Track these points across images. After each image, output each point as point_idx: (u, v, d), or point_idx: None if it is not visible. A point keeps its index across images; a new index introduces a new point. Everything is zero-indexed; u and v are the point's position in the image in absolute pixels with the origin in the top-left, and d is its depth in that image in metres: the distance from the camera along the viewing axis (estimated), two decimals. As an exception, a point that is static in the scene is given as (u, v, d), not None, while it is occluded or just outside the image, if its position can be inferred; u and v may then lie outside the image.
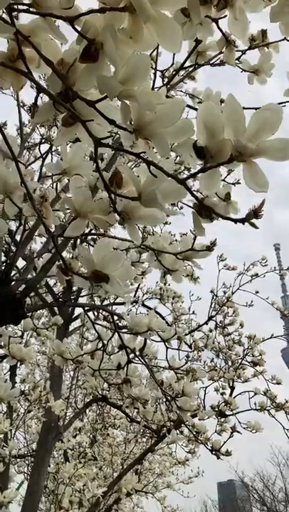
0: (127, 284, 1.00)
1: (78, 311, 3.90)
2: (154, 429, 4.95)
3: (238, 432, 2.71)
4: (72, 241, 2.38)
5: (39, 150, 3.92)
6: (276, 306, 4.20)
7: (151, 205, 0.85)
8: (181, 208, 2.83)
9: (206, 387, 3.60)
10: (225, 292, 4.28)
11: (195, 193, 0.74)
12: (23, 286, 1.40)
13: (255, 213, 0.71)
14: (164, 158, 0.81)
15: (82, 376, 4.58)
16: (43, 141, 3.68)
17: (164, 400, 2.22)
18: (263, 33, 1.50)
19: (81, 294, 3.71)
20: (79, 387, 6.40)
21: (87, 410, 5.96)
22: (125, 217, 0.91)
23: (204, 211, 0.78)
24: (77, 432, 4.91)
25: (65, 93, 0.73)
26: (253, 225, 0.72)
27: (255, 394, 3.43)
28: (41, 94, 1.47)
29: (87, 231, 1.62)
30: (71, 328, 4.31)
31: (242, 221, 0.72)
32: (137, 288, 3.51)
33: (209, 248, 1.52)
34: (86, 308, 2.31)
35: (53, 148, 3.24)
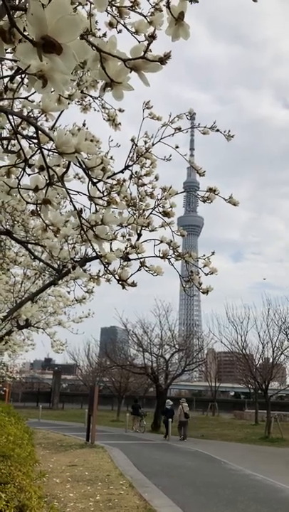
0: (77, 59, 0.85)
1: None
2: (56, 268, 5.08)
3: (147, 267, 2.85)
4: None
5: None
6: (193, 164, 4.21)
7: None
8: None
9: (114, 232, 3.67)
10: (146, 142, 4.17)
11: None
12: None
13: None
14: None
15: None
16: None
17: (80, 229, 2.19)
18: None
19: None
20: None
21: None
22: None
23: None
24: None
25: None
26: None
27: (161, 242, 3.58)
28: None
29: None
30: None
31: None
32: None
33: (162, 60, 1.36)
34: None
35: None
